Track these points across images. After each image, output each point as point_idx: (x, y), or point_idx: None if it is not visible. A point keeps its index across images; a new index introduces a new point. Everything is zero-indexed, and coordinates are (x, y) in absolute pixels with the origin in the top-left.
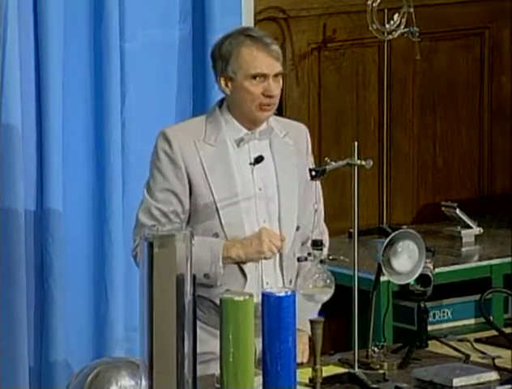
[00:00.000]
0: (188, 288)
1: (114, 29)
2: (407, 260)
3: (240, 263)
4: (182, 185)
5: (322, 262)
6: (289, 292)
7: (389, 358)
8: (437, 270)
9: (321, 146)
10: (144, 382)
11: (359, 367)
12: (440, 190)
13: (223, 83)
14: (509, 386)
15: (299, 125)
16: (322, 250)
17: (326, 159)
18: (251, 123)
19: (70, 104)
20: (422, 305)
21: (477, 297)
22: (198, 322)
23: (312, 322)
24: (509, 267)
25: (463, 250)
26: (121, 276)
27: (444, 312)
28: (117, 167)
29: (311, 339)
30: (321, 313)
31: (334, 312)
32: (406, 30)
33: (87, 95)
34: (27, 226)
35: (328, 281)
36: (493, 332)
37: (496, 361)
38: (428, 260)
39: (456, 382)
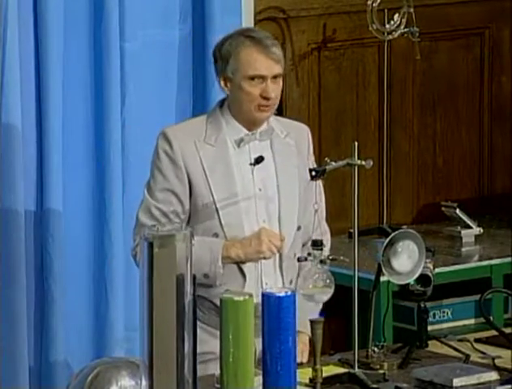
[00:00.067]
0: (188, 288)
1: (114, 29)
2: (407, 260)
3: (239, 263)
4: (182, 185)
5: (322, 262)
6: (289, 292)
7: (389, 358)
8: (437, 270)
9: (321, 146)
10: (144, 382)
11: (359, 367)
12: (440, 190)
13: (222, 83)
14: (509, 386)
15: (300, 125)
16: (322, 250)
17: (326, 159)
18: (250, 124)
19: (70, 104)
20: (422, 305)
21: (477, 297)
22: (198, 323)
23: (312, 322)
24: (509, 267)
25: (463, 250)
26: (121, 276)
27: (444, 312)
28: (117, 167)
29: (311, 340)
30: (321, 313)
31: (334, 312)
32: (406, 30)
33: (87, 95)
34: (27, 226)
35: (328, 281)
36: (493, 332)
37: (496, 361)
38: (428, 260)
39: (456, 382)
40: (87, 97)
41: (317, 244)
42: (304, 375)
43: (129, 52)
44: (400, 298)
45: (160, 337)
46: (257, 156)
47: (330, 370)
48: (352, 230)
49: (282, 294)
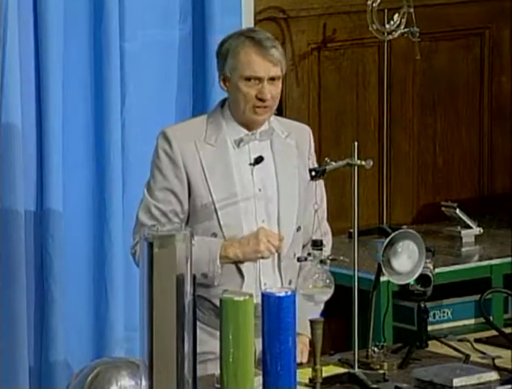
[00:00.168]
0: (188, 288)
1: (114, 29)
2: (407, 260)
3: (237, 263)
4: (182, 184)
5: (321, 262)
6: (289, 292)
7: (389, 358)
8: (437, 270)
9: (321, 146)
10: (144, 382)
11: (359, 367)
12: (440, 190)
13: (222, 81)
14: (509, 386)
15: (302, 125)
16: (321, 250)
17: (326, 159)
18: (248, 124)
19: (70, 104)
20: (422, 305)
21: (477, 297)
22: (197, 323)
23: (312, 322)
24: (509, 267)
25: (463, 250)
26: (121, 276)
27: (444, 312)
28: (117, 167)
29: (311, 341)
30: (321, 313)
31: (335, 312)
32: (406, 30)
33: (87, 95)
34: (27, 226)
35: (328, 281)
36: (493, 332)
37: (496, 361)
38: (428, 260)
39: (456, 382)
40: (87, 97)
41: (317, 244)
42: (304, 375)
43: (129, 52)
44: (400, 298)
45: (159, 337)
46: (256, 156)
47: (330, 370)
48: (352, 230)
49: (282, 294)
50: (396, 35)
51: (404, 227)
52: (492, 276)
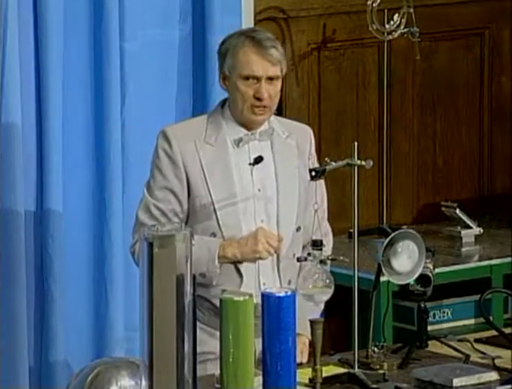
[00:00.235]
0: (188, 288)
1: (114, 29)
2: (407, 260)
3: (236, 263)
4: (181, 184)
5: (321, 262)
6: (289, 292)
7: (389, 358)
8: (437, 270)
9: (321, 146)
10: (144, 382)
11: (359, 367)
12: (440, 190)
13: (221, 80)
14: (509, 386)
15: (303, 126)
16: (321, 250)
17: (326, 159)
18: (247, 124)
19: (70, 104)
20: (422, 305)
21: (477, 297)
22: (198, 323)
23: (312, 322)
24: (509, 267)
25: (463, 250)
26: (121, 276)
27: (444, 312)
28: (117, 167)
29: (311, 342)
30: (321, 313)
31: (335, 312)
32: (406, 30)
33: (87, 95)
34: (27, 226)
35: (328, 281)
36: (493, 332)
37: (496, 361)
38: (428, 260)
39: (456, 382)
40: (87, 97)
41: (317, 244)
42: (304, 375)
43: (129, 52)
44: (400, 298)
45: (159, 337)
46: (256, 156)
47: (330, 370)
48: (352, 230)
49: (282, 294)
50: (396, 35)
51: (404, 227)
52: (492, 276)
